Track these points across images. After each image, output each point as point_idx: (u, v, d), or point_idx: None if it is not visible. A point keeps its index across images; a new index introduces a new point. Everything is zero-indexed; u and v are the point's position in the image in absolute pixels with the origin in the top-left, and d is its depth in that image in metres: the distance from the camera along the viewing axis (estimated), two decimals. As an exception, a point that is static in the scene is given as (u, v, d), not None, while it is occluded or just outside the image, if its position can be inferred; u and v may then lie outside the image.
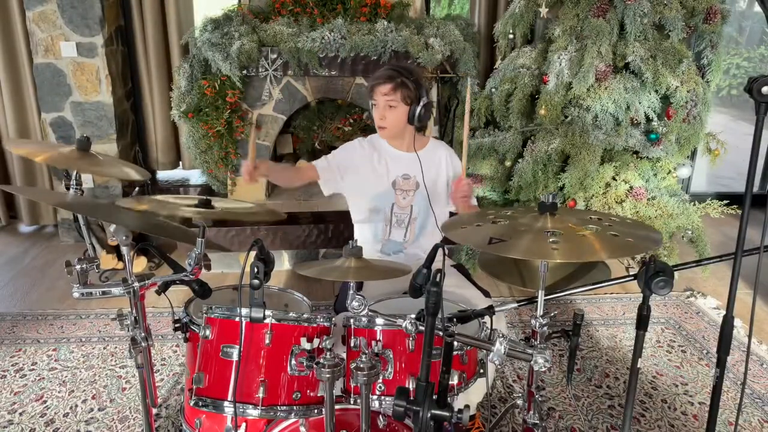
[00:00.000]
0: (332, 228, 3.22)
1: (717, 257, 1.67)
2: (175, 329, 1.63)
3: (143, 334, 1.39)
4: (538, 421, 1.51)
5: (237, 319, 1.38)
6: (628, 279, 1.60)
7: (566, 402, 2.28)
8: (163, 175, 4.20)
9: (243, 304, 1.34)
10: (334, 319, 1.47)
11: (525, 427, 1.52)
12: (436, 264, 1.19)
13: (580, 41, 3.04)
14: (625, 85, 2.99)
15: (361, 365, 1.25)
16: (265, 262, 1.32)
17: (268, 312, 1.35)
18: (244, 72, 3.07)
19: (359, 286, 1.45)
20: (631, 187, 3.11)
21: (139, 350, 1.38)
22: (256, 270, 1.28)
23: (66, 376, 2.40)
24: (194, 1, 3.78)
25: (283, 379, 1.39)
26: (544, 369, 1.30)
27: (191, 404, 1.40)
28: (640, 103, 3.02)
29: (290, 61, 3.07)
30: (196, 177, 4.13)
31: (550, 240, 1.22)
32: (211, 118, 3.09)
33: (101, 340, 2.69)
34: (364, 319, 1.42)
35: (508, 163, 3.26)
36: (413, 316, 1.35)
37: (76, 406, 2.22)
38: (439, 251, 1.18)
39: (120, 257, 3.30)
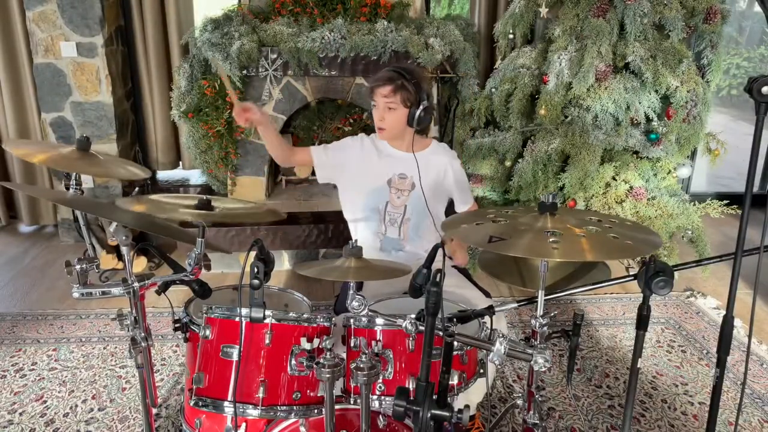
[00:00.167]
0: (332, 228, 3.22)
1: (717, 257, 1.67)
2: (175, 329, 1.63)
3: (143, 334, 1.39)
4: (538, 421, 1.51)
5: (237, 319, 1.38)
6: (628, 279, 1.59)
7: (566, 402, 2.28)
8: (163, 175, 4.20)
9: (243, 304, 1.34)
10: (334, 319, 1.47)
11: (525, 427, 1.52)
12: (436, 264, 1.19)
13: (580, 41, 3.04)
14: (625, 85, 2.99)
15: (361, 365, 1.25)
16: (265, 262, 1.32)
17: (268, 312, 1.35)
18: (244, 72, 3.07)
19: (359, 286, 1.45)
20: (631, 187, 3.11)
21: (139, 350, 1.38)
22: (256, 270, 1.28)
23: (66, 376, 2.40)
24: (194, 1, 3.78)
25: (283, 379, 1.39)
26: (544, 369, 1.30)
27: (191, 404, 1.40)
28: (640, 103, 3.02)
29: (290, 61, 3.07)
30: (196, 177, 4.13)
31: (550, 240, 1.22)
32: (211, 118, 3.09)
33: (101, 340, 2.69)
34: (364, 319, 1.42)
35: (508, 163, 3.26)
36: (413, 316, 1.35)
37: (76, 406, 2.22)
38: (439, 251, 1.18)
39: (120, 257, 3.30)
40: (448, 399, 1.16)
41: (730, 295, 1.19)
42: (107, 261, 3.33)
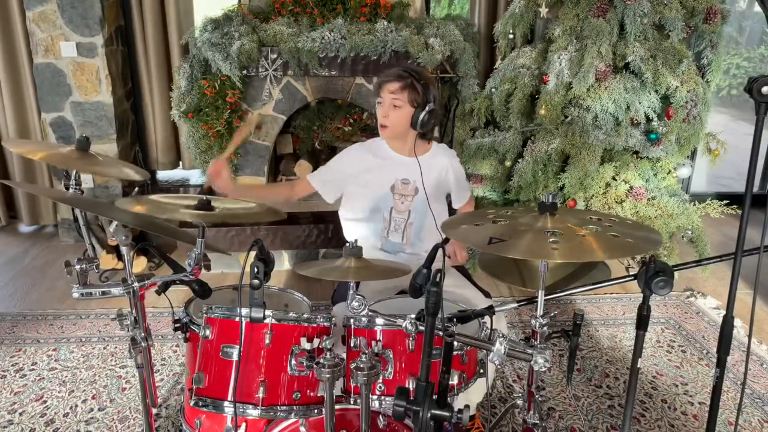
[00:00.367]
0: (332, 228, 3.22)
1: (717, 257, 1.67)
2: (175, 329, 1.63)
3: (143, 334, 1.39)
4: (538, 421, 1.51)
5: (237, 319, 1.38)
6: (628, 279, 1.59)
7: (566, 402, 2.28)
8: (163, 175, 4.20)
9: (243, 304, 1.34)
10: (334, 319, 1.47)
11: (525, 427, 1.52)
12: (436, 264, 1.19)
13: (580, 41, 3.04)
14: (625, 85, 2.99)
15: (361, 365, 1.25)
16: (265, 262, 1.31)
17: (268, 312, 1.35)
18: (244, 72, 3.07)
19: (358, 285, 1.45)
20: (631, 187, 3.11)
21: (139, 350, 1.38)
22: (256, 270, 1.28)
23: (66, 376, 2.40)
24: (194, 1, 3.78)
25: (283, 379, 1.39)
26: (544, 369, 1.30)
27: (191, 404, 1.40)
28: (640, 103, 3.02)
29: (290, 61, 3.07)
30: (196, 177, 4.14)
31: (550, 240, 1.22)
32: (211, 118, 3.09)
33: (101, 340, 2.69)
34: (364, 319, 1.42)
35: (508, 163, 3.26)
36: (413, 316, 1.35)
37: (76, 406, 2.22)
38: (439, 251, 1.18)
39: (120, 257, 3.30)
40: (448, 399, 1.16)
41: (730, 295, 1.19)
42: (107, 261, 3.33)
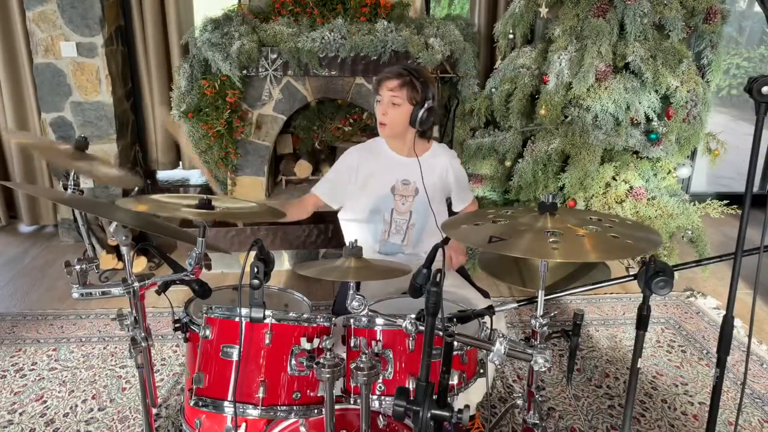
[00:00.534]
0: (332, 228, 3.22)
1: (717, 257, 1.67)
2: (175, 329, 1.63)
3: (143, 334, 1.39)
4: (538, 421, 1.51)
5: (237, 319, 1.38)
6: (628, 279, 1.59)
7: (566, 402, 2.28)
8: (163, 175, 4.20)
9: (243, 304, 1.34)
10: (334, 319, 1.47)
11: (525, 427, 1.52)
12: (436, 264, 1.19)
13: (580, 41, 3.04)
14: (625, 85, 2.99)
15: (361, 365, 1.25)
16: (265, 262, 1.31)
17: (268, 312, 1.35)
18: (244, 72, 3.07)
19: (358, 286, 1.45)
20: (631, 187, 3.11)
21: (139, 350, 1.38)
22: (256, 270, 1.28)
23: (66, 376, 2.40)
24: (194, 1, 3.78)
25: (283, 379, 1.39)
26: (544, 369, 1.30)
27: (191, 404, 1.40)
28: (640, 103, 3.02)
29: (290, 61, 3.07)
30: (196, 177, 4.14)
31: (550, 240, 1.22)
32: (211, 118, 3.09)
33: (101, 340, 2.69)
34: (364, 319, 1.42)
35: (508, 163, 3.26)
36: (413, 316, 1.35)
37: (76, 406, 2.22)
38: (439, 251, 1.18)
39: (120, 257, 3.30)
40: (448, 399, 1.16)
41: (730, 295, 1.19)
42: (107, 261, 3.33)
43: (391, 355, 1.40)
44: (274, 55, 3.10)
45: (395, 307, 1.69)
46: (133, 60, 3.82)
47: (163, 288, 1.46)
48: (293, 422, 1.47)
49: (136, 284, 1.37)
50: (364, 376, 1.24)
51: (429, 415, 1.05)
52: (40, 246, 3.78)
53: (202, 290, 1.50)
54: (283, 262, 3.45)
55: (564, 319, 2.87)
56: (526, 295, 1.85)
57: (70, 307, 2.97)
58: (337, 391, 1.34)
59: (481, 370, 1.52)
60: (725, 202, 3.18)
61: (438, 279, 1.09)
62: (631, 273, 2.36)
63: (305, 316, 1.43)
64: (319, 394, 1.40)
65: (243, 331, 1.36)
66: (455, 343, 1.24)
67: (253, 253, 1.33)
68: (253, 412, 1.36)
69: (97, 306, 2.95)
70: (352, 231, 2.16)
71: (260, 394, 1.35)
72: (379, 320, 1.41)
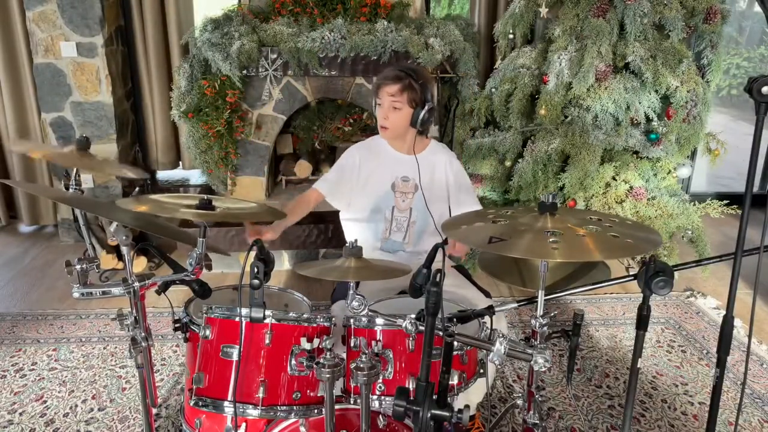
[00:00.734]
0: (332, 228, 3.22)
1: (717, 257, 1.67)
2: (175, 329, 1.63)
3: (143, 334, 1.39)
4: (538, 421, 1.51)
5: (237, 319, 1.38)
6: (628, 279, 1.60)
7: (566, 402, 2.28)
8: (163, 175, 4.20)
9: (243, 304, 1.34)
10: (334, 319, 1.47)
11: (525, 427, 1.52)
12: (436, 264, 1.19)
13: (580, 41, 3.04)
14: (625, 85, 2.99)
15: (361, 365, 1.25)
16: (265, 262, 1.31)
17: (268, 312, 1.35)
18: (244, 72, 3.07)
19: (358, 285, 1.45)
20: (631, 187, 3.11)
21: (139, 350, 1.38)
22: (256, 270, 1.28)
23: (66, 376, 2.40)
24: (194, 1, 3.78)
25: (283, 379, 1.39)
26: (544, 369, 1.30)
27: (191, 404, 1.40)
28: (640, 103, 3.03)
29: (290, 61, 3.07)
30: (196, 177, 4.14)
31: (550, 240, 1.22)
32: (211, 118, 3.09)
33: (101, 340, 2.69)
34: (364, 319, 1.42)
35: (508, 163, 3.26)
36: (413, 316, 1.35)
37: (76, 406, 2.22)
38: (439, 251, 1.18)
39: (120, 257, 3.30)
40: (448, 399, 1.16)
41: (730, 295, 1.19)
42: (107, 261, 3.33)
43: (391, 355, 1.40)
44: (274, 55, 3.10)
45: (395, 307, 1.69)
46: (133, 60, 3.82)
47: (163, 288, 1.46)
48: (293, 422, 1.47)
49: (136, 284, 1.37)
50: (364, 376, 1.24)
51: (429, 415, 1.05)
52: (40, 246, 3.78)
53: (202, 290, 1.50)
54: (283, 262, 3.45)
55: (564, 319, 2.87)
56: (526, 295, 1.85)
57: (70, 307, 2.97)
58: (337, 391, 1.34)
59: (481, 370, 1.52)
60: (725, 202, 3.19)
61: (438, 279, 1.09)
62: (631, 273, 2.36)
63: (305, 316, 1.43)
64: (319, 394, 1.40)
65: (243, 331, 1.36)
66: (455, 343, 1.24)
67: (253, 253, 1.33)
68: (253, 412, 1.36)
69: (97, 306, 2.95)
70: (352, 230, 2.16)
71: (260, 394, 1.35)
72: (379, 320, 1.41)
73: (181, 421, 1.60)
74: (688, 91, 2.98)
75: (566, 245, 1.21)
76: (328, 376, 1.26)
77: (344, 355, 1.39)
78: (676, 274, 1.22)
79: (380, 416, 1.48)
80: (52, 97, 3.54)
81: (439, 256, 1.19)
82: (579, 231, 1.27)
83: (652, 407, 2.25)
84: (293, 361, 1.38)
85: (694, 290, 3.19)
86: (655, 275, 1.18)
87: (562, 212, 1.35)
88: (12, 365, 2.48)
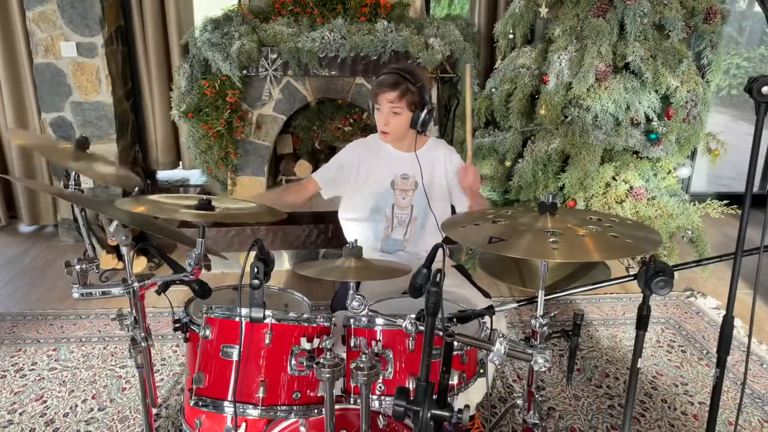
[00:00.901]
0: (332, 228, 3.22)
1: (717, 257, 1.67)
2: (175, 329, 1.63)
3: (143, 334, 1.39)
4: (538, 421, 1.51)
5: (237, 319, 1.38)
6: (628, 279, 1.59)
7: (566, 402, 2.28)
8: (163, 175, 4.20)
9: (243, 304, 1.34)
10: (334, 319, 1.47)
11: (525, 427, 1.52)
12: (436, 264, 1.19)
13: (580, 41, 3.04)
14: (625, 85, 2.99)
15: (361, 365, 1.25)
16: (265, 262, 1.31)
17: (268, 312, 1.35)
18: (244, 72, 3.07)
19: (357, 286, 1.44)
20: (631, 187, 3.11)
21: (139, 350, 1.38)
22: (256, 270, 1.28)
23: (66, 376, 2.40)
24: (194, 1, 3.78)
25: (283, 379, 1.39)
26: (544, 369, 1.30)
27: (191, 404, 1.40)
28: (640, 103, 3.03)
29: (290, 61, 3.07)
30: (196, 177, 4.14)
31: (550, 240, 1.22)
32: (211, 118, 3.09)
33: (101, 340, 2.69)
34: (364, 319, 1.42)
35: (508, 163, 3.26)
36: (413, 316, 1.35)
37: (76, 406, 2.22)
38: (439, 251, 1.18)
39: (120, 257, 3.30)
40: (448, 399, 1.16)
41: (730, 295, 1.19)
42: (107, 261, 3.33)
43: (391, 355, 1.40)
44: (274, 55, 3.10)
45: (395, 307, 1.69)
46: (133, 60, 3.82)
47: (163, 288, 1.46)
48: (293, 422, 1.47)
49: (136, 284, 1.37)
50: (364, 376, 1.24)
51: (429, 415, 1.05)
52: (40, 246, 3.78)
53: (202, 290, 1.50)
54: (283, 262, 3.45)
55: (564, 319, 2.87)
56: (526, 295, 1.85)
57: (70, 307, 2.97)
58: (337, 391, 1.34)
59: (481, 370, 1.52)
60: (725, 202, 3.19)
61: (438, 279, 1.09)
62: (631, 273, 2.36)
63: (305, 316, 1.43)
64: (319, 394, 1.40)
65: (243, 331, 1.36)
66: (455, 343, 1.24)
67: (253, 253, 1.33)
68: (253, 412, 1.36)
69: (97, 306, 2.95)
70: (352, 230, 2.16)
71: (260, 394, 1.35)
72: (379, 320, 1.41)
73: (181, 421, 1.60)
74: (688, 91, 2.98)
75: (566, 245, 1.21)
76: (328, 376, 1.26)
77: (344, 355, 1.39)
78: (676, 274, 1.22)
79: (380, 416, 1.48)
80: (52, 97, 3.54)
81: (439, 256, 1.19)
82: (579, 231, 1.27)
83: (652, 407, 2.25)
84: (293, 361, 1.38)
85: (694, 290, 3.19)
86: (655, 275, 1.18)
87: (562, 212, 1.35)
88: (12, 365, 2.48)
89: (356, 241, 1.50)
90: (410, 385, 1.39)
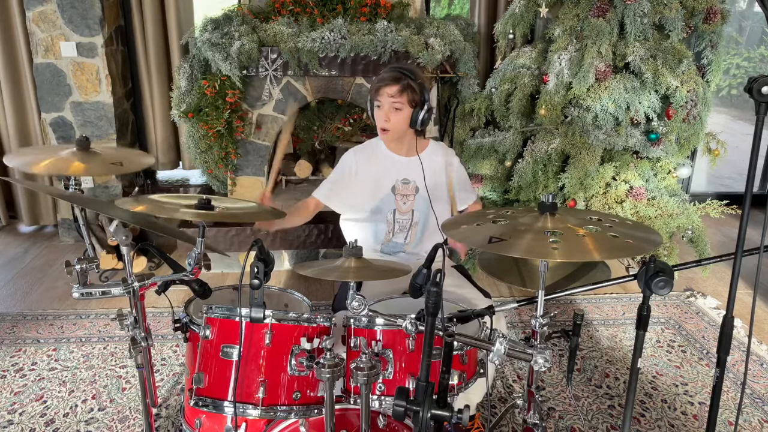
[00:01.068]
0: (332, 228, 3.22)
1: (717, 257, 1.67)
2: (175, 329, 1.63)
3: (143, 334, 1.39)
4: (538, 421, 1.51)
5: (237, 319, 1.38)
6: (628, 279, 1.59)
7: (566, 402, 2.28)
8: (163, 175, 4.20)
9: (243, 304, 1.34)
10: (333, 319, 1.47)
11: (525, 427, 1.52)
12: (436, 264, 1.19)
13: (580, 41, 3.04)
14: (625, 85, 2.99)
15: (361, 365, 1.25)
16: (265, 262, 1.32)
17: (268, 312, 1.35)
18: (244, 72, 3.07)
19: (358, 286, 1.44)
20: (631, 187, 3.11)
21: (139, 350, 1.38)
22: (256, 270, 1.28)
23: (66, 376, 2.40)
24: (194, 1, 3.78)
25: (283, 379, 1.39)
26: (544, 369, 1.30)
27: (191, 404, 1.40)
28: (640, 103, 3.03)
29: (290, 61, 3.07)
30: (196, 177, 4.14)
31: (550, 240, 1.22)
32: (211, 118, 3.09)
33: (101, 340, 2.69)
34: (364, 319, 1.42)
35: (508, 163, 3.26)
36: (413, 316, 1.35)
37: (76, 406, 2.22)
38: (439, 251, 1.18)
39: (120, 257, 3.30)
40: (448, 399, 1.16)
41: (730, 295, 1.19)
42: (107, 261, 3.33)
43: (391, 355, 1.40)
44: (274, 55, 3.10)
45: (395, 307, 1.69)
46: (133, 60, 3.82)
47: (163, 288, 1.46)
48: (293, 422, 1.47)
49: (136, 284, 1.37)
50: (364, 376, 1.24)
51: (429, 415, 1.05)
52: (40, 246, 3.78)
53: (202, 290, 1.50)
54: (283, 262, 3.45)
55: (564, 319, 2.87)
56: (526, 295, 1.85)
57: (70, 307, 2.97)
58: (337, 391, 1.34)
59: (481, 370, 1.53)
60: (725, 202, 3.19)
61: (438, 279, 1.09)
62: (631, 273, 2.36)
63: (305, 316, 1.43)
64: (319, 394, 1.40)
65: (243, 331, 1.36)
66: (455, 343, 1.24)
67: (253, 253, 1.33)
68: (253, 412, 1.36)
69: (97, 306, 2.95)
70: (352, 231, 2.16)
71: (260, 394, 1.35)
72: (379, 320, 1.41)
73: (181, 421, 1.60)
74: (688, 91, 2.98)
75: (566, 245, 1.21)
76: (328, 376, 1.26)
77: (344, 355, 1.39)
78: (676, 274, 1.22)
79: (380, 416, 1.48)
80: (52, 97, 3.54)
81: (439, 256, 1.19)
82: (579, 231, 1.27)
83: (652, 407, 2.25)
84: (293, 361, 1.38)
85: (694, 290, 3.19)
86: (655, 275, 1.18)
87: (562, 212, 1.35)
88: (12, 365, 2.48)
89: (356, 241, 1.50)
90: (410, 385, 1.39)
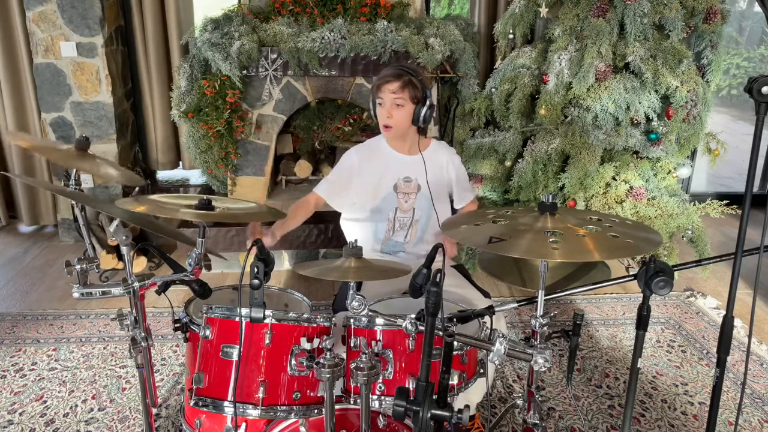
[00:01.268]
0: (332, 228, 3.22)
1: (717, 257, 1.67)
2: (175, 329, 1.63)
3: (143, 334, 1.39)
4: (538, 421, 1.51)
5: (237, 319, 1.38)
6: (628, 279, 1.59)
7: (566, 402, 2.28)
8: (163, 175, 4.20)
9: (243, 304, 1.34)
10: (333, 319, 1.47)
11: (525, 427, 1.52)
12: (436, 264, 1.19)
13: (580, 41, 3.04)
14: (625, 85, 2.99)
15: (361, 365, 1.25)
16: (265, 262, 1.32)
17: (268, 312, 1.35)
18: (244, 72, 3.08)
19: (358, 286, 1.44)
20: (631, 187, 3.11)
21: (139, 350, 1.38)
22: (256, 270, 1.28)
23: (66, 376, 2.40)
24: (194, 1, 3.78)
25: (283, 379, 1.39)
26: (544, 369, 1.30)
27: (191, 404, 1.40)
28: (640, 103, 3.03)
29: (290, 61, 3.07)
30: (196, 177, 4.14)
31: (550, 240, 1.22)
32: (211, 118, 3.09)
33: (101, 340, 2.69)
34: (364, 319, 1.42)
35: (508, 163, 3.26)
36: (413, 316, 1.35)
37: (76, 406, 2.22)
38: (439, 251, 1.18)
39: (120, 257, 3.30)
40: (448, 399, 1.16)
41: (730, 295, 1.19)
42: (107, 261, 3.33)
43: (391, 355, 1.40)
44: (274, 55, 3.10)
45: (395, 307, 1.69)
46: (133, 60, 3.82)
47: (163, 288, 1.46)
48: (293, 422, 1.47)
49: (136, 284, 1.37)
50: (364, 376, 1.24)
51: (429, 415, 1.05)
52: (40, 246, 3.78)
53: (202, 290, 1.50)
54: (283, 262, 3.45)
55: (564, 319, 2.87)
56: (526, 295, 1.85)
57: (70, 307, 2.97)
58: (337, 391, 1.34)
59: (481, 370, 1.52)
60: (725, 202, 3.19)
61: (438, 279, 1.09)
62: (631, 273, 2.36)
63: (305, 316, 1.43)
64: (319, 394, 1.40)
65: (243, 331, 1.36)
66: (455, 343, 1.24)
67: (253, 253, 1.33)
68: (253, 412, 1.36)
69: (97, 306, 2.95)
70: (353, 230, 2.16)
71: (260, 394, 1.35)
72: (379, 320, 1.41)
73: (181, 421, 1.60)
74: (688, 91, 2.98)
75: (566, 245, 1.21)
76: (328, 376, 1.26)
77: (344, 355, 1.39)
78: (676, 274, 1.22)
79: (380, 416, 1.48)
80: (52, 97, 3.54)
81: (439, 256, 1.19)
82: (579, 231, 1.27)
83: (652, 407, 2.25)
84: (293, 361, 1.38)
85: (694, 290, 3.19)
86: (655, 275, 1.18)
87: (562, 212, 1.35)
88: (12, 365, 2.48)
89: (356, 241, 1.50)
90: (410, 385, 1.39)
